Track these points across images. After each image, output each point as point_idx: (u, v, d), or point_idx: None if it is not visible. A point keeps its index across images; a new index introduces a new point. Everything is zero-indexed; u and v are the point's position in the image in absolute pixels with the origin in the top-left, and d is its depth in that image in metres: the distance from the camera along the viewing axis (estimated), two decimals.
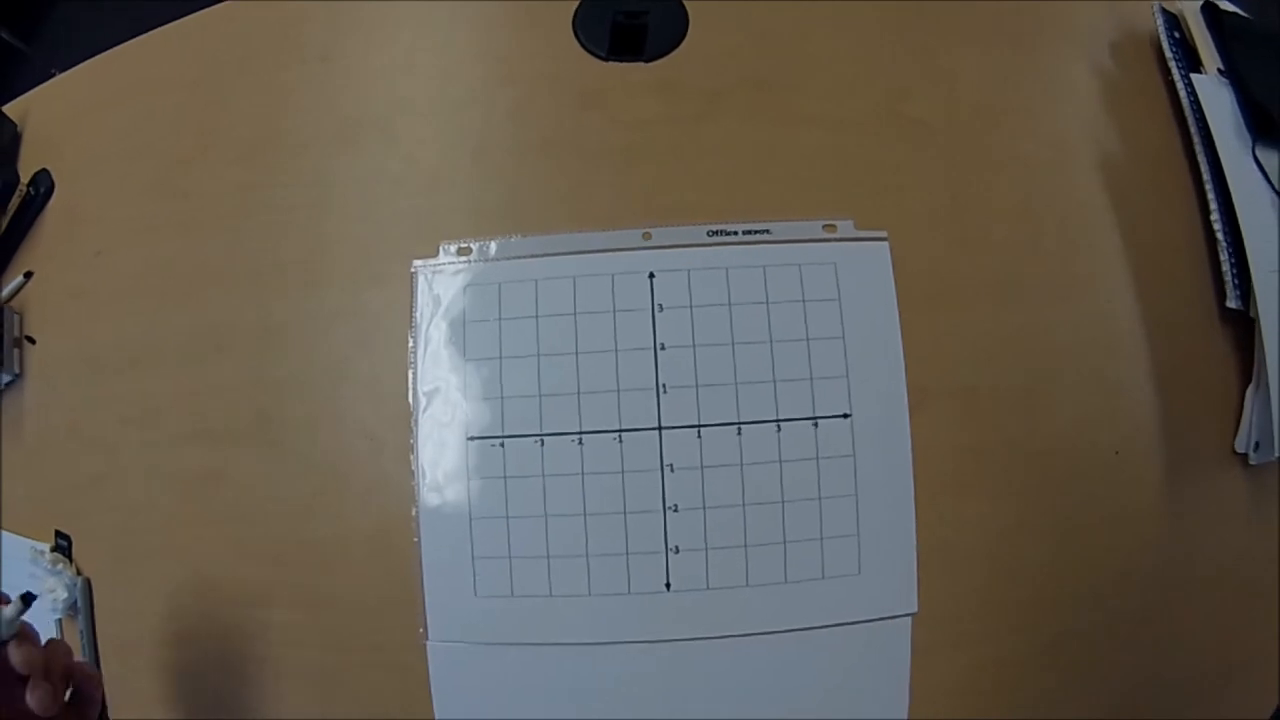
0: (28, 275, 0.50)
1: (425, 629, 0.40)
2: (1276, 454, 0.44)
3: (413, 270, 0.42)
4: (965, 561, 0.41)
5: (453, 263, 0.42)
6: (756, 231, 0.41)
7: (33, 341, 0.49)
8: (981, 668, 0.41)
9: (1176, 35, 0.49)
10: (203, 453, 0.44)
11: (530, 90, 0.45)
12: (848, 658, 0.40)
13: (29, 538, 0.47)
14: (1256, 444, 0.45)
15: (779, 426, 0.39)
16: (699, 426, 0.39)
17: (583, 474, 0.39)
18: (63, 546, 0.47)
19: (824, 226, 0.42)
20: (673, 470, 0.39)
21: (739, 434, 0.39)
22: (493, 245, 0.42)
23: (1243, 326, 0.45)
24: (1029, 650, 0.41)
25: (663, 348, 0.40)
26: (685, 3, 0.45)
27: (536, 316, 0.40)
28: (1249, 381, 0.45)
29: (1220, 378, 0.45)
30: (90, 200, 0.50)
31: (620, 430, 0.39)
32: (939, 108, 0.45)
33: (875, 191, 0.43)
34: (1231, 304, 0.45)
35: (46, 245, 0.51)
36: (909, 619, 0.40)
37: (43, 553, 0.46)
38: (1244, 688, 0.44)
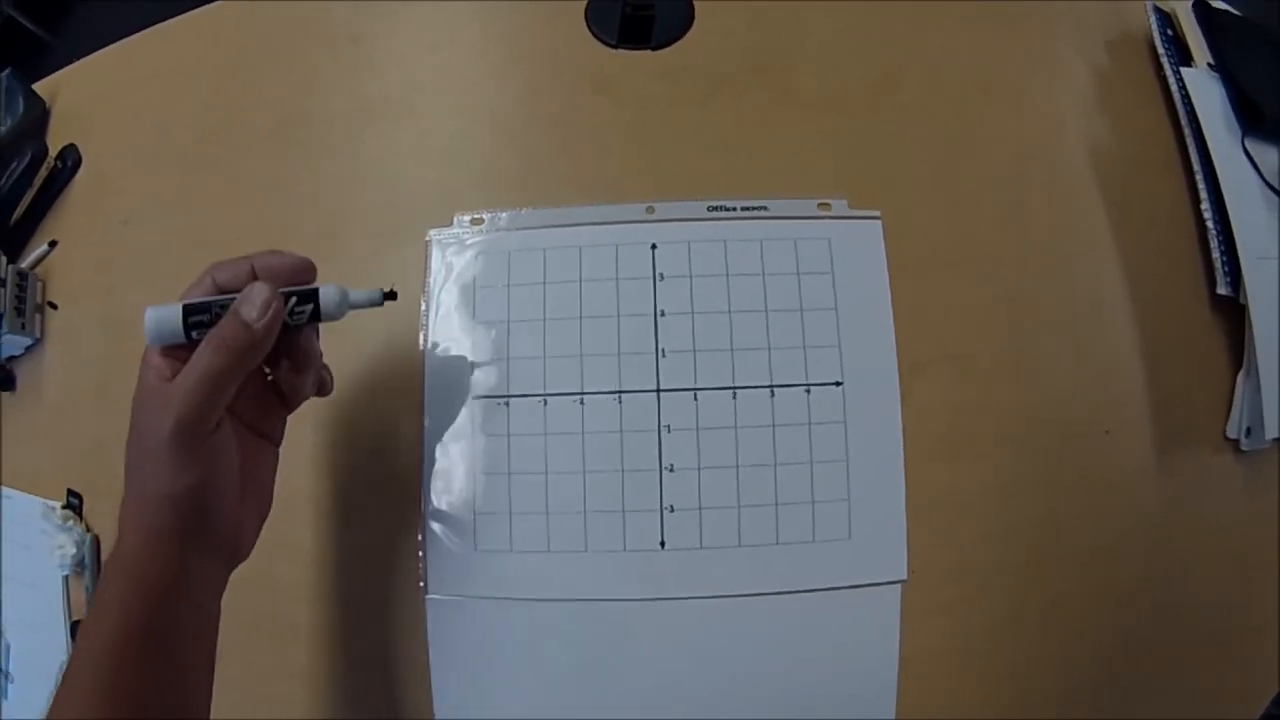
0: (52, 244, 0.56)
1: (425, 582, 0.44)
2: (1268, 440, 0.49)
3: (427, 239, 0.47)
4: (955, 528, 0.45)
5: (466, 232, 0.47)
6: (754, 208, 0.46)
7: (54, 307, 0.55)
8: (972, 632, 0.44)
9: (1169, 32, 0.54)
10: None
11: (542, 72, 0.51)
12: (837, 622, 0.43)
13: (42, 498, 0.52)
14: (1248, 429, 0.49)
15: (772, 392, 0.44)
16: (695, 390, 0.44)
17: (583, 432, 0.43)
18: (74, 504, 0.51)
19: (818, 205, 0.47)
20: (669, 431, 0.43)
21: (734, 398, 0.44)
22: (504, 216, 0.47)
23: (1234, 313, 0.49)
24: (1019, 616, 0.45)
25: (663, 314, 0.45)
26: None
27: (544, 283, 0.45)
28: (1240, 367, 0.49)
29: (1212, 363, 0.49)
30: (118, 173, 0.56)
31: (620, 391, 0.44)
32: (927, 86, 0.50)
33: (868, 168, 0.48)
34: (1222, 290, 0.49)
35: (72, 217, 0.56)
36: (898, 586, 0.44)
37: (53, 509, 0.51)
38: (1239, 661, 0.47)
